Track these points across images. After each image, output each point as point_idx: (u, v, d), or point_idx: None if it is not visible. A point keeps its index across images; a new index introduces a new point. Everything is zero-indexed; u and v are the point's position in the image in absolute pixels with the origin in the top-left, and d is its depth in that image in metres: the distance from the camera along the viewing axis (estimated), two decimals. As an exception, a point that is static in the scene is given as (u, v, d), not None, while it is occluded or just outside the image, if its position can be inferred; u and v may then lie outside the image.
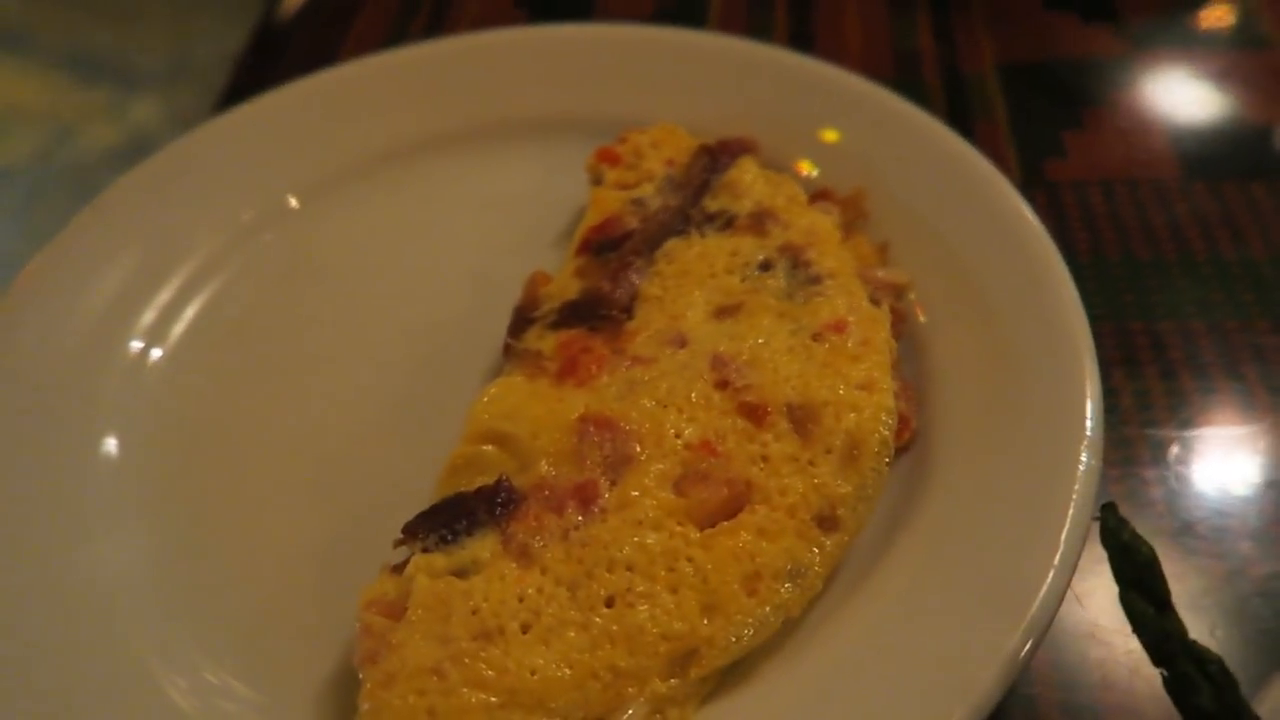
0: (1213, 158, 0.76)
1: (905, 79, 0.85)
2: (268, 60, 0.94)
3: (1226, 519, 0.55)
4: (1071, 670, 0.50)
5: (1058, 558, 0.44)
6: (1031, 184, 0.75)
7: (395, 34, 0.94)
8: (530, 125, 0.73)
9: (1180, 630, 0.37)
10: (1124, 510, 0.57)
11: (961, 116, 0.81)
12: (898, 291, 0.60)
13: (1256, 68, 0.83)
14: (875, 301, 0.57)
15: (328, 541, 0.54)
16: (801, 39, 0.90)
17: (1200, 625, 0.51)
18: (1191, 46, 0.85)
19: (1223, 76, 0.83)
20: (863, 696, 0.44)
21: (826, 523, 0.48)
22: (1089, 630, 0.51)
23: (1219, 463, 0.58)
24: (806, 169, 0.68)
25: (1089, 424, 0.49)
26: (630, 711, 0.44)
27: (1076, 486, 0.47)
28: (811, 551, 0.48)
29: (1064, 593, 0.44)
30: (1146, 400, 0.61)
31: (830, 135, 0.68)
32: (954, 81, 0.84)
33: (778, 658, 0.47)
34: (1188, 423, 0.60)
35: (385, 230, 0.70)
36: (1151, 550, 0.38)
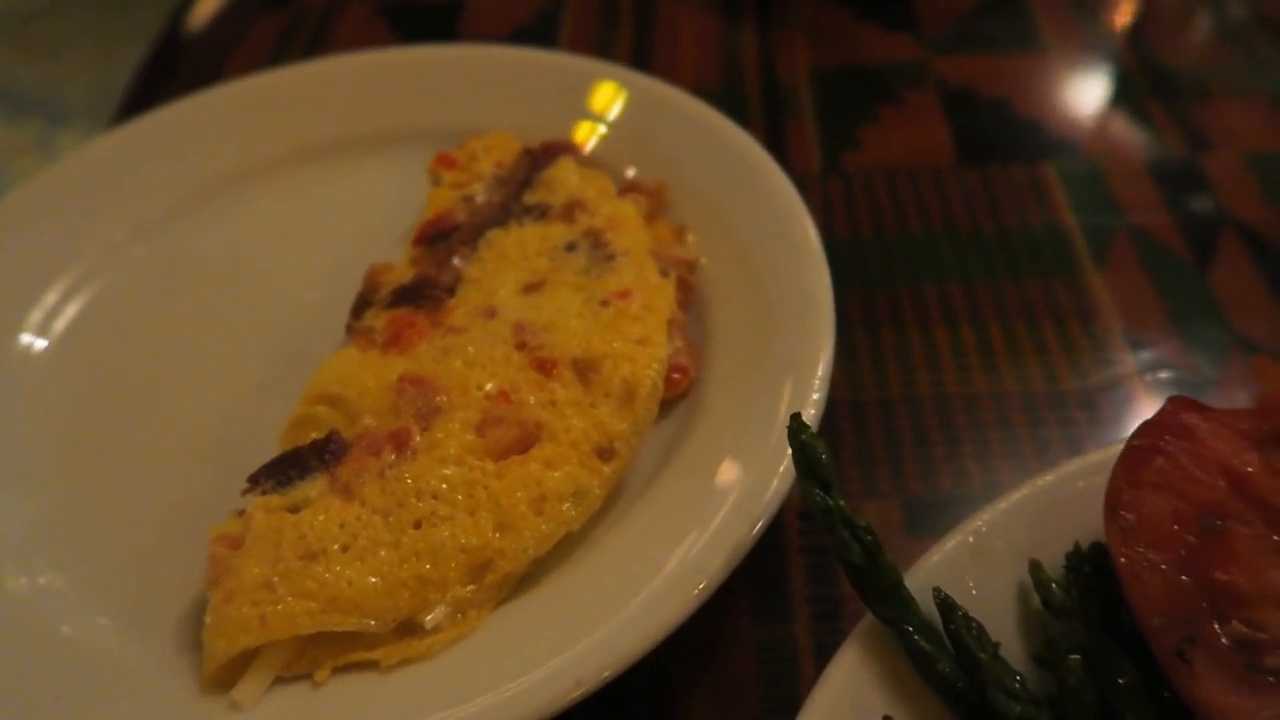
0: (984, 146, 0.87)
1: (729, 85, 0.95)
2: (159, 85, 1.02)
3: (958, 446, 0.66)
4: (825, 569, 0.60)
5: (783, 467, 0.54)
6: (830, 173, 0.86)
7: (276, 58, 1.03)
8: (382, 138, 0.83)
9: (840, 506, 0.46)
10: (877, 441, 0.68)
11: (776, 116, 0.92)
12: (689, 266, 0.70)
13: (1031, 68, 0.95)
14: (665, 274, 0.67)
15: (192, 497, 0.62)
16: (642, 52, 1.00)
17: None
18: (978, 50, 0.97)
19: (1002, 75, 0.95)
20: (627, 591, 0.53)
21: (605, 454, 0.58)
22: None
23: (961, 400, 0.68)
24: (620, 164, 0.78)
25: (820, 370, 0.59)
26: (435, 611, 0.53)
27: (811, 412, 0.57)
28: (591, 477, 0.57)
29: (785, 494, 0.54)
30: (907, 354, 0.72)
31: (641, 137, 0.79)
32: (771, 86, 0.95)
33: (565, 565, 0.56)
34: (941, 370, 0.71)
35: (252, 237, 0.78)
36: (826, 447, 0.48)
